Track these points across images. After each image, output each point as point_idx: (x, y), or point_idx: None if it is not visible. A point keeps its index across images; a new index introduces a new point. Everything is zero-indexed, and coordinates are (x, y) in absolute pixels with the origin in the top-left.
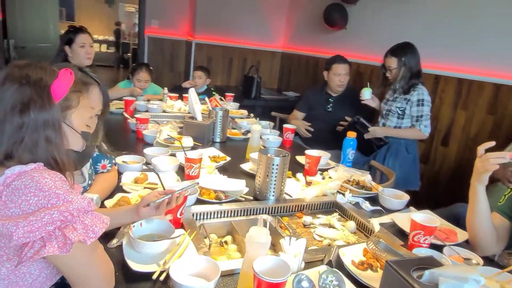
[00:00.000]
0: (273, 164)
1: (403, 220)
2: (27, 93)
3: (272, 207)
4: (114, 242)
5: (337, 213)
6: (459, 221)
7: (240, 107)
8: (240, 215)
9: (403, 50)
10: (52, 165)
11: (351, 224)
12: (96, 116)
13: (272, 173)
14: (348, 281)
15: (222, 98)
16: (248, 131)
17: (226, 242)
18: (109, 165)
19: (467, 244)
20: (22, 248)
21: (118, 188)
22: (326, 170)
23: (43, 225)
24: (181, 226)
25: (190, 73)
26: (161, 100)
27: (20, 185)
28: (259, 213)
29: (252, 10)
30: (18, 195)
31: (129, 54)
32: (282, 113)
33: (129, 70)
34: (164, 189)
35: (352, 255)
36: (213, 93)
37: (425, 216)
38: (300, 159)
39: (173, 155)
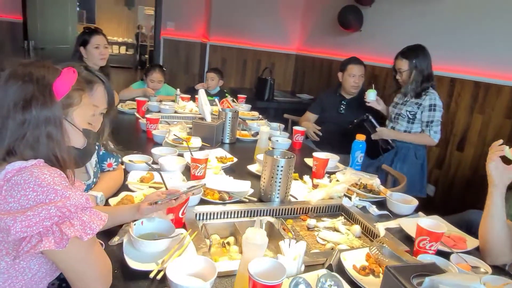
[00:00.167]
0: (278, 166)
1: (410, 225)
2: (29, 90)
3: (276, 209)
4: (116, 239)
5: (343, 217)
6: (471, 229)
7: (253, 109)
8: (244, 216)
9: (415, 52)
10: (53, 161)
11: (356, 228)
12: (101, 114)
13: (277, 174)
14: (348, 286)
15: (235, 99)
16: (257, 133)
17: (228, 243)
18: (115, 163)
19: (477, 252)
20: (20, 243)
21: (124, 187)
22: (334, 173)
23: (40, 220)
24: (183, 226)
25: (205, 75)
26: (173, 101)
27: (19, 180)
28: (263, 215)
29: (267, 12)
30: (17, 190)
31: (146, 56)
32: (295, 115)
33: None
34: (166, 188)
35: (354, 260)
36: (226, 94)
37: (431, 222)
38: (309, 161)
39: (181, 155)
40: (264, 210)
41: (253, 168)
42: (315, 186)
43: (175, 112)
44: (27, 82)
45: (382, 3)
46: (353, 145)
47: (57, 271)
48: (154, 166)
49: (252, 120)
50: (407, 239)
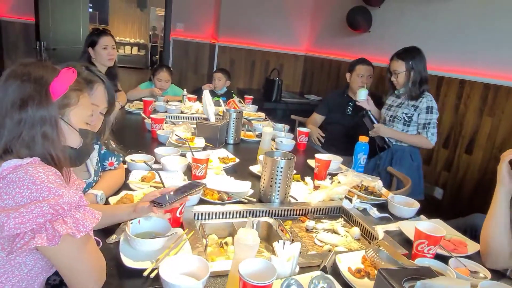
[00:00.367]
0: (277, 167)
1: (410, 228)
2: (27, 89)
3: (275, 210)
4: (113, 238)
5: (343, 219)
6: (475, 233)
7: (261, 110)
8: (242, 217)
9: (411, 53)
10: (48, 160)
11: (355, 231)
12: (102, 114)
13: (277, 175)
14: None
15: (241, 100)
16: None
17: (226, 243)
18: (117, 162)
19: (478, 257)
20: (14, 239)
21: (125, 186)
22: (337, 174)
23: (33, 217)
24: (181, 225)
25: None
26: (180, 101)
27: (14, 177)
28: (262, 216)
29: (276, 13)
30: (12, 187)
31: (157, 56)
32: (303, 116)
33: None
34: (164, 187)
35: (349, 262)
36: (233, 95)
37: (430, 225)
38: (312, 163)
39: (183, 155)
40: (263, 211)
41: (254, 169)
42: (316, 188)
43: (181, 112)
44: (25, 81)
45: (391, 4)
46: (356, 147)
47: (53, 267)
48: (156, 165)
49: (258, 121)
50: (407, 242)
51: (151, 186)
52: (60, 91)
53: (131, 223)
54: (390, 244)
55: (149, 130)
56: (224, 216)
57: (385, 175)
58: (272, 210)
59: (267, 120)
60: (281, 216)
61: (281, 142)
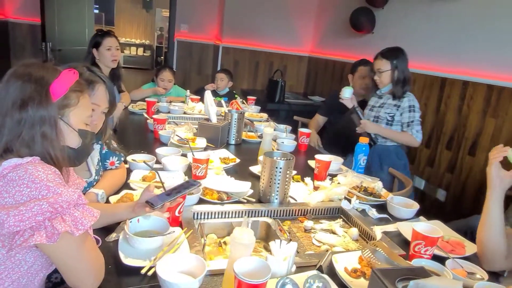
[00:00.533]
0: (276, 167)
1: (408, 229)
2: (27, 90)
3: (274, 210)
4: (112, 236)
5: (341, 219)
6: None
7: (264, 111)
8: (241, 217)
9: (395, 53)
10: (47, 159)
11: (354, 231)
12: (103, 113)
13: (276, 176)
14: None
15: (244, 101)
16: None
17: (225, 243)
18: (118, 162)
19: (476, 258)
20: (13, 236)
21: (126, 185)
22: (337, 175)
23: (33, 215)
24: (180, 224)
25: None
26: (183, 102)
27: (15, 176)
28: (261, 216)
29: (279, 14)
30: (12, 185)
31: (162, 57)
32: (307, 117)
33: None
34: (163, 186)
35: (346, 262)
36: (235, 96)
37: (428, 226)
38: (313, 163)
39: (184, 155)
40: (262, 211)
41: (255, 169)
42: (316, 188)
43: (184, 113)
44: (26, 82)
45: (394, 5)
46: (356, 148)
47: (53, 265)
48: (157, 165)
49: (260, 121)
50: (405, 243)
51: None
52: (60, 92)
53: (130, 221)
54: (388, 244)
55: (152, 131)
56: (223, 216)
57: (377, 174)
58: (271, 210)
59: (268, 121)
60: (280, 216)
61: (282, 142)
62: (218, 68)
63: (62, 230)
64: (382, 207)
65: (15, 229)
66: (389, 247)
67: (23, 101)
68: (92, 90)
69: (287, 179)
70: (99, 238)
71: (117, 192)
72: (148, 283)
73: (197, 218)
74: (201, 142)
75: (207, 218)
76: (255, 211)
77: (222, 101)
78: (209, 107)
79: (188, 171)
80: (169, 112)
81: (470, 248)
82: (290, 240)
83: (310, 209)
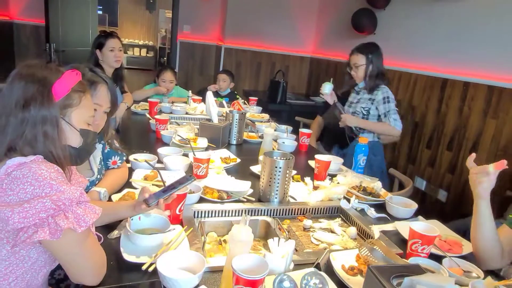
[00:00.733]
0: (276, 167)
1: (406, 228)
2: (30, 90)
3: (274, 209)
4: (114, 233)
5: (340, 219)
6: None
7: (266, 112)
8: (241, 215)
9: (370, 48)
10: (50, 158)
11: (352, 230)
12: (105, 113)
13: (276, 175)
14: (334, 286)
15: (246, 102)
16: None
17: (225, 241)
18: (120, 161)
19: (472, 257)
20: (17, 232)
21: (128, 184)
22: (336, 175)
23: (36, 212)
24: (180, 222)
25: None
26: (185, 102)
27: (19, 174)
28: (261, 215)
29: (281, 15)
30: (16, 183)
31: (164, 58)
32: (308, 118)
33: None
34: (164, 185)
35: (343, 260)
36: (237, 96)
37: (425, 225)
38: (313, 163)
39: (186, 155)
40: (261, 210)
41: (255, 169)
42: (315, 188)
43: (186, 113)
44: (29, 82)
45: (395, 6)
46: (356, 148)
47: (56, 261)
48: (159, 165)
49: (261, 122)
50: (403, 242)
51: (153, 185)
52: (62, 92)
53: (132, 219)
54: (385, 243)
55: (154, 131)
56: (223, 215)
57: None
58: (271, 209)
59: (269, 122)
60: (279, 215)
61: (283, 143)
62: (220, 69)
63: (65, 227)
64: (380, 207)
65: (19, 226)
66: (386, 245)
67: (26, 101)
68: (94, 91)
69: (286, 179)
70: (101, 236)
71: (119, 191)
72: (149, 279)
73: (197, 217)
74: (203, 142)
75: (208, 217)
76: (255, 210)
77: (224, 102)
78: (211, 107)
79: (189, 170)
80: (171, 113)
81: (467, 247)
82: (289, 238)
83: (310, 208)
